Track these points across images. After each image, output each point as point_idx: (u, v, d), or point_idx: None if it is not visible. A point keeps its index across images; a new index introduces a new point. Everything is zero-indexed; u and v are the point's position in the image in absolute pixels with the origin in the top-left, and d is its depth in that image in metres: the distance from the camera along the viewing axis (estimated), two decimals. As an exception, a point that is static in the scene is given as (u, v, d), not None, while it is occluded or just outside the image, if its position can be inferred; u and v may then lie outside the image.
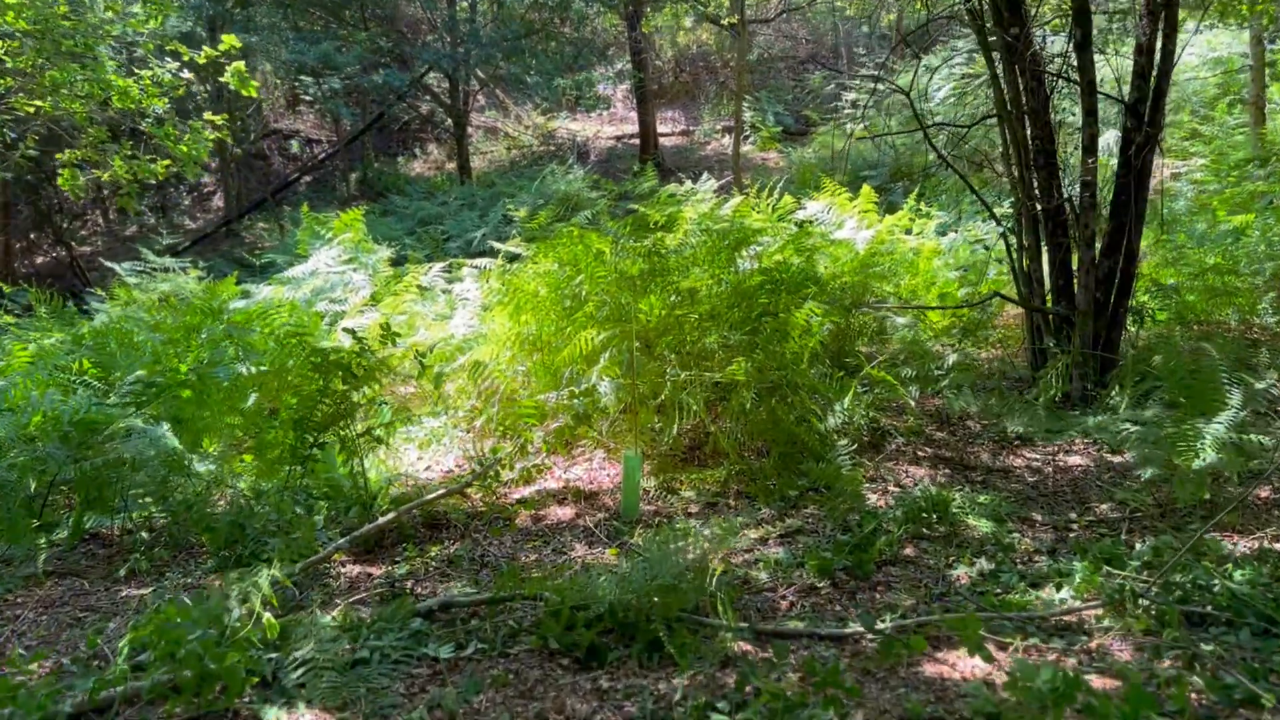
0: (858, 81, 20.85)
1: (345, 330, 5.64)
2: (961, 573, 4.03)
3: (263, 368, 7.42)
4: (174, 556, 4.71)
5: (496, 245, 10.37)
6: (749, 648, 3.30)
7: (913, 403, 5.69)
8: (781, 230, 8.71)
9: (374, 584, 4.23)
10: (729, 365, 6.15)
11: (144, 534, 4.82)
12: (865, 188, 10.75)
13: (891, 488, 5.21)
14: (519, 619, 3.54)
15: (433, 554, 4.54)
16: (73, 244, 22.95)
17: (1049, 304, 6.99)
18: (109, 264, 13.73)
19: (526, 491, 5.48)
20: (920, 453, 5.88)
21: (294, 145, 28.25)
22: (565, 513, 5.10)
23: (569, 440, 5.46)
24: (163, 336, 7.95)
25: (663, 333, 6.11)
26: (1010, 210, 7.15)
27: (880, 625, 3.42)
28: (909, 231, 10.93)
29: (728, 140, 22.53)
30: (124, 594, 4.22)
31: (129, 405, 5.67)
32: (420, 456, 7.02)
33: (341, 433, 5.02)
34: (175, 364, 7.54)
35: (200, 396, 7.12)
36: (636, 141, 22.91)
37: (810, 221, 9.89)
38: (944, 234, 11.26)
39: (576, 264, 6.93)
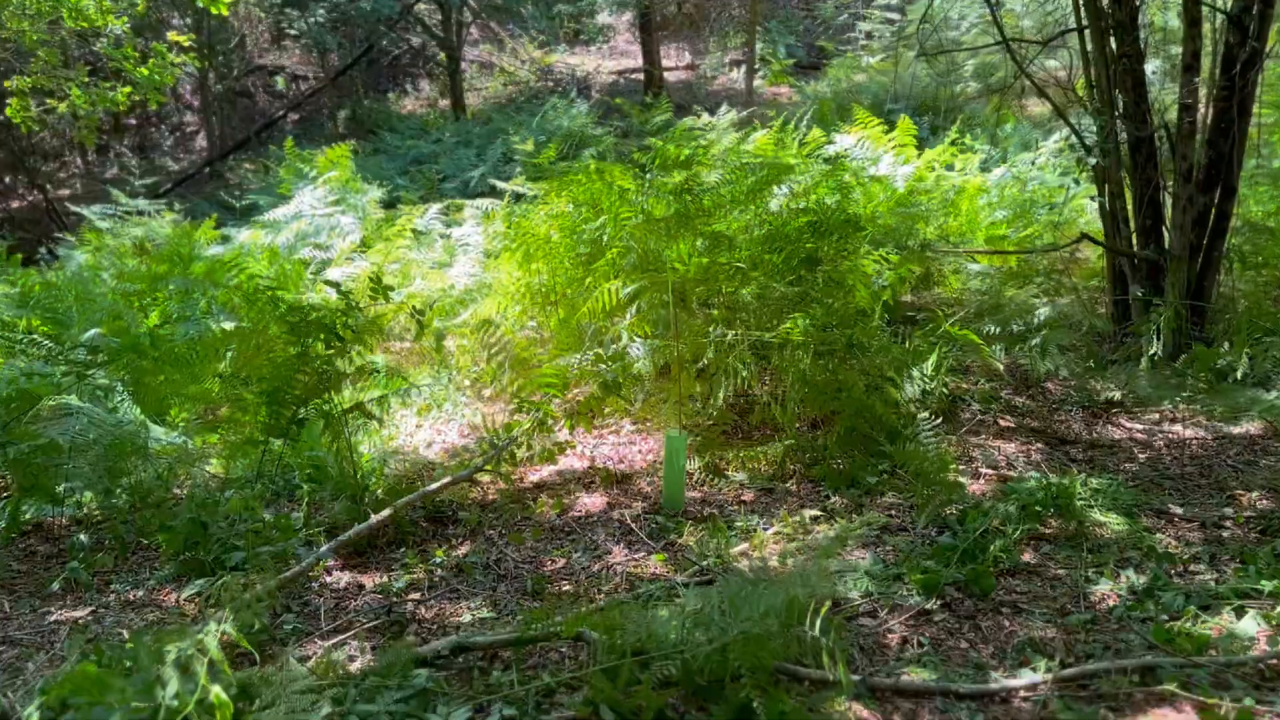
0: (873, 10, 19.69)
1: (328, 283, 4.74)
2: (1106, 589, 3.20)
3: (238, 323, 6.55)
4: (123, 560, 3.87)
5: (497, 184, 9.42)
6: (866, 714, 2.47)
7: (1000, 366, 4.84)
8: (811, 167, 7.78)
9: (366, 601, 3.40)
10: (771, 320, 5.30)
11: (83, 536, 3.96)
12: (904, 119, 9.78)
13: (984, 469, 4.37)
14: (556, 669, 2.71)
15: (437, 559, 3.70)
16: (47, 187, 21.85)
17: (1135, 247, 6.10)
18: (76, 208, 12.76)
19: (547, 472, 4.63)
20: (1002, 422, 5.04)
21: (279, 82, 26.99)
22: (595, 502, 4.26)
23: (595, 412, 4.60)
24: (132, 287, 7.06)
25: (696, 285, 5.23)
26: (1086, 140, 6.23)
27: (1037, 676, 2.60)
28: (950, 167, 9.98)
29: (736, 75, 21.37)
30: (54, 617, 3.38)
31: (73, 373, 4.78)
32: (419, 424, 6.17)
33: (325, 408, 4.16)
34: (139, 320, 6.66)
35: (165, 359, 6.25)
36: (639, 77, 21.74)
37: (842, 156, 8.95)
38: (988, 170, 10.32)
39: (596, 204, 6.02)
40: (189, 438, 5.43)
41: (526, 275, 6.27)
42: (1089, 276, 7.54)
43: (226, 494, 4.49)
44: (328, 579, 3.62)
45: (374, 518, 3.75)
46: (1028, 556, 3.48)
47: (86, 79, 8.86)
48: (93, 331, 6.00)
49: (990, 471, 4.33)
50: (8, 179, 24.26)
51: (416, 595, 3.44)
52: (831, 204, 6.38)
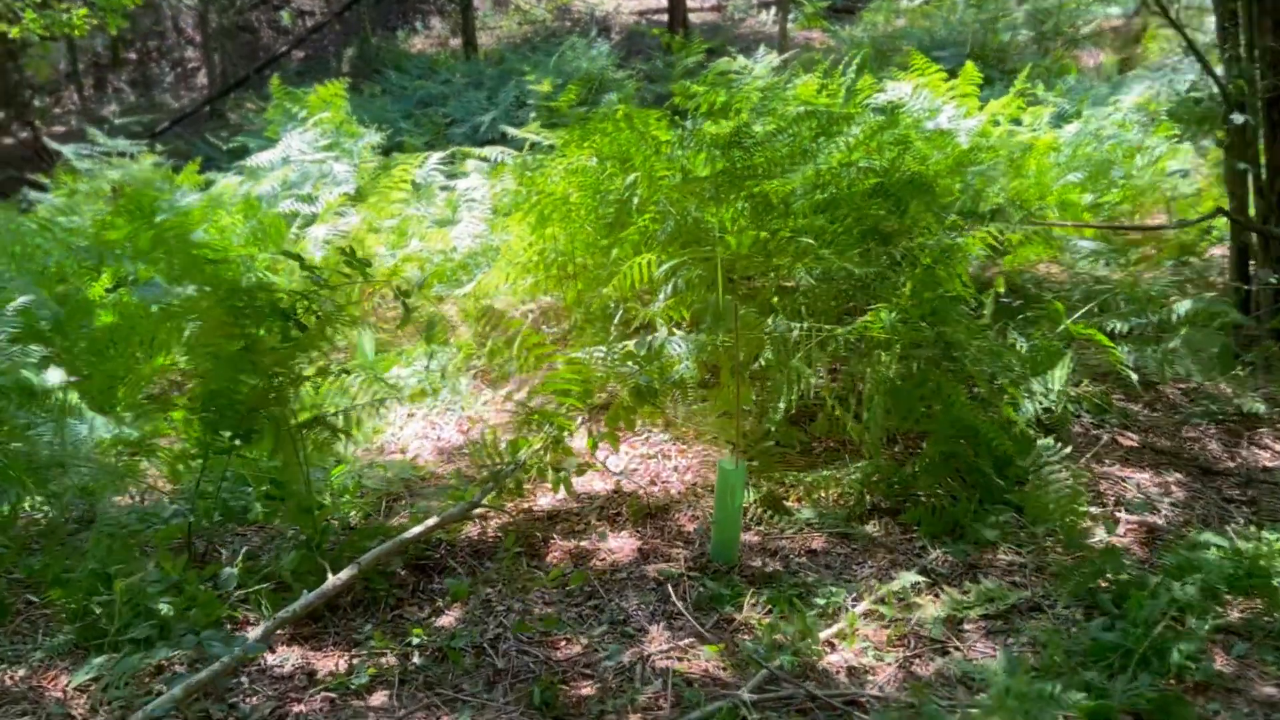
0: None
1: (286, 254, 3.77)
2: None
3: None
4: (5, 622, 2.96)
5: (510, 131, 8.39)
6: None
7: (1135, 377, 3.87)
8: (864, 117, 6.73)
9: (314, 707, 2.48)
10: (833, 306, 4.34)
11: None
12: (969, 65, 8.67)
13: (1122, 514, 3.42)
14: None
15: (415, 638, 2.78)
16: (36, 123, 20.81)
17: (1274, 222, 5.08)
18: (55, 146, 11.76)
19: (562, 496, 3.70)
20: (1123, 441, 4.07)
21: (284, 16, 25.77)
22: (623, 547, 3.32)
23: (624, 426, 3.64)
24: (83, 245, 6.10)
25: (748, 261, 4.25)
26: (1213, 90, 5.18)
27: None
28: (1017, 122, 8.90)
29: (765, 16, 20.12)
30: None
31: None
32: (411, 414, 5.25)
33: (280, 419, 3.21)
34: (86, 283, 5.71)
35: (108, 334, 5.32)
36: (663, 18, 20.49)
37: (898, 107, 7.88)
38: (1060, 126, 9.22)
39: (625, 159, 5.01)
40: (135, 428, 4.51)
41: (540, 240, 5.29)
42: (1174, 253, 6.52)
43: (153, 522, 3.59)
44: (270, 659, 2.70)
45: (332, 580, 2.82)
46: (1222, 663, 2.54)
47: (39, 1, 7.83)
48: (22, 298, 5.06)
49: (1133, 520, 3.37)
50: (2, 115, 23.25)
51: (383, 697, 2.51)
52: (901, 162, 5.39)
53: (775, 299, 4.02)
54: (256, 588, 2.94)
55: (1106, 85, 11.63)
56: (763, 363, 3.74)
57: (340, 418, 3.57)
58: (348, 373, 3.44)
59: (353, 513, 3.80)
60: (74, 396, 4.56)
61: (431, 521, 3.12)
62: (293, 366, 3.21)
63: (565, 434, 3.45)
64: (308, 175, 8.27)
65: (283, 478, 3.21)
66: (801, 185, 5.00)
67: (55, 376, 4.58)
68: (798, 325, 3.74)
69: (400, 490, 4.05)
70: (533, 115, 9.11)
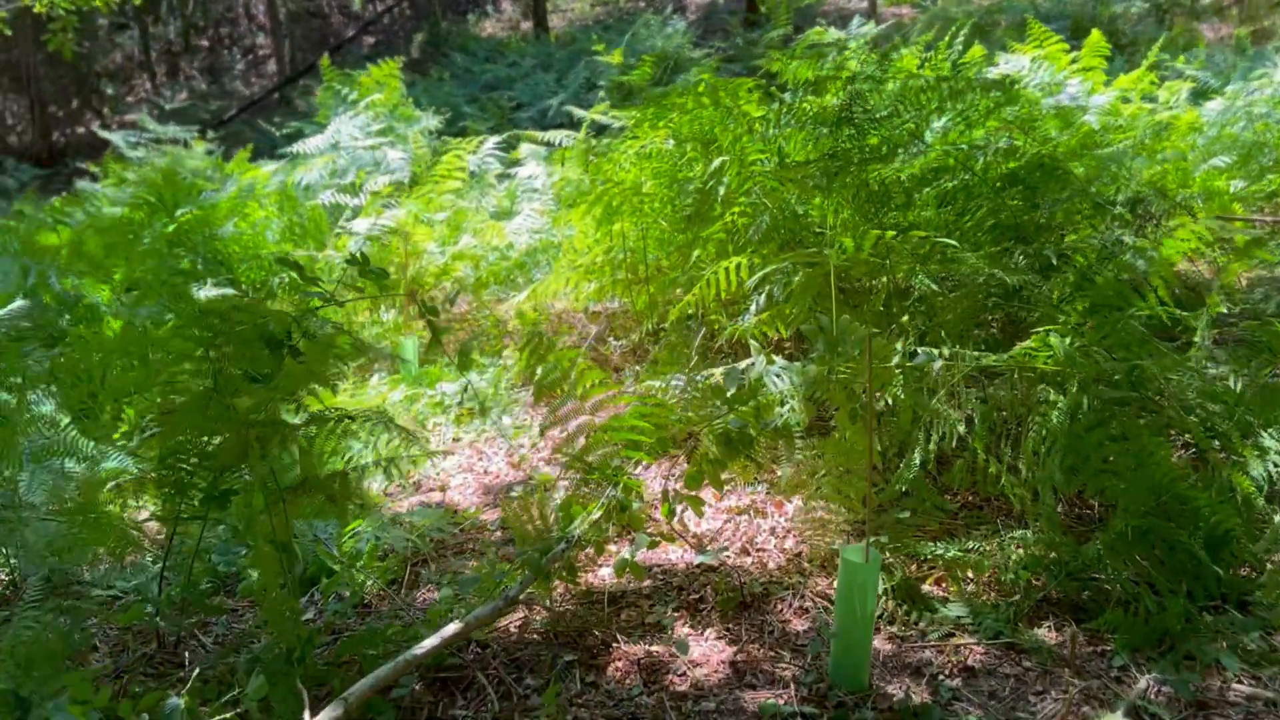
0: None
1: (283, 262, 2.99)
2: None
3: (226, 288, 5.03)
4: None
5: (577, 112, 7.59)
6: None
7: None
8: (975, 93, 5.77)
9: None
10: (969, 324, 3.46)
11: None
12: (1095, 34, 7.61)
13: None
14: None
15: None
16: (105, 111, 20.66)
17: None
18: (106, 134, 11.31)
19: (626, 579, 2.88)
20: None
21: (354, 1, 25.39)
22: (708, 656, 2.49)
23: (710, 482, 2.80)
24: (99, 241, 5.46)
25: (865, 267, 3.38)
26: None
27: None
28: (1151, 98, 7.82)
29: (850, -9, 19.00)
30: None
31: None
32: (456, 439, 4.50)
33: (258, 482, 2.44)
34: (93, 286, 5.06)
35: (115, 345, 4.66)
36: (741, -4, 19.52)
37: (1014, 81, 6.87)
38: (1201, 103, 8.11)
39: (708, 141, 4.17)
40: (140, 455, 3.81)
41: (607, 239, 4.48)
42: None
43: (127, 594, 2.88)
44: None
45: (327, 712, 2.03)
46: None
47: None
48: (18, 303, 4.42)
49: None
50: (75, 103, 23.24)
51: None
52: (1030, 144, 4.49)
53: (902, 316, 3.15)
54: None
55: (1244, 59, 10.41)
56: (890, 401, 2.87)
57: (359, 464, 2.80)
58: (351, 419, 2.65)
59: (369, 582, 3.04)
60: (64, 419, 3.90)
61: (452, 629, 2.32)
62: (277, 412, 2.45)
63: (633, 497, 2.63)
64: (359, 162, 7.59)
65: (256, 566, 2.44)
66: (920, 171, 4.12)
67: (45, 400, 3.92)
68: (936, 351, 2.85)
69: (431, 550, 3.28)
70: (601, 95, 8.30)
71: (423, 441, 3.94)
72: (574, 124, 8.12)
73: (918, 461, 2.79)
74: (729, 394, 2.74)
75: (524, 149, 6.40)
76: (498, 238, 5.71)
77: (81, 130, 22.58)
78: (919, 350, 2.85)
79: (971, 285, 3.37)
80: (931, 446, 2.83)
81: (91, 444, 3.76)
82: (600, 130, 7.09)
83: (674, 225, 4.43)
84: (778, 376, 2.82)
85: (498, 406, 4.34)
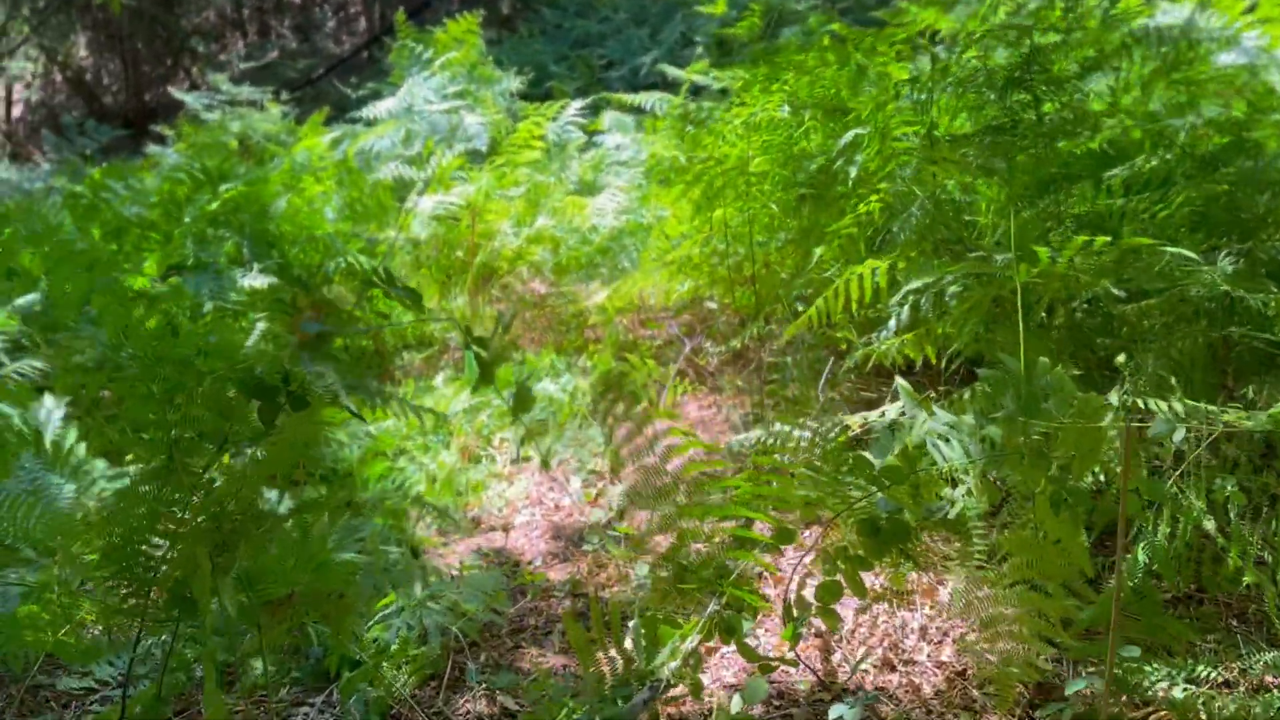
0: None
1: (375, 282, 2.25)
2: None
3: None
4: None
5: (672, 72, 6.80)
6: None
7: None
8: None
9: None
10: (1191, 366, 2.63)
11: None
12: (1280, -24, 6.49)
13: None
14: None
15: None
16: (194, 70, 20.48)
17: None
18: (180, 95, 10.91)
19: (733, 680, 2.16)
20: None
21: (445, -44, 24.79)
22: None
23: (850, 587, 2.06)
24: (135, 211, 4.92)
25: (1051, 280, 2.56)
26: None
27: None
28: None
29: (967, -61, 17.60)
30: None
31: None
32: (525, 457, 3.85)
33: (224, 592, 1.78)
34: (126, 271, 4.50)
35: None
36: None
37: (1193, 34, 5.83)
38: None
39: (835, 107, 3.37)
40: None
41: (705, 227, 3.73)
42: None
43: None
44: None
45: None
46: None
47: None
48: (29, 296, 3.88)
49: None
50: (170, 62, 23.23)
51: None
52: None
53: (1115, 352, 2.34)
54: None
55: None
56: (1103, 479, 2.08)
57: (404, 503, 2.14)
58: (355, 507, 1.97)
59: (402, 679, 2.38)
60: (71, 436, 3.33)
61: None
62: (254, 496, 1.78)
63: (745, 613, 1.91)
64: (435, 128, 6.93)
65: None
66: (1101, 148, 3.27)
67: (54, 412, 3.34)
68: (1166, 407, 2.04)
69: (479, 632, 2.61)
70: (700, 51, 7.47)
71: (456, 517, 3.27)
72: (668, 84, 7.33)
73: (1142, 564, 2.00)
74: (878, 466, 1.99)
75: (607, 118, 5.66)
76: (579, 217, 5.00)
77: (177, 89, 22.56)
78: (1144, 404, 2.04)
79: (1194, 304, 2.54)
80: (1160, 539, 2.04)
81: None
82: (697, 92, 6.30)
83: (786, 211, 3.66)
84: (944, 440, 2.05)
85: (569, 435, 3.65)
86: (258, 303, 4.54)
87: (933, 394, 2.64)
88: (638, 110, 5.80)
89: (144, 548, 1.69)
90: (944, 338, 2.76)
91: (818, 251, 2.99)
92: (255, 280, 4.49)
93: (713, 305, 4.09)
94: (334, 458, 3.67)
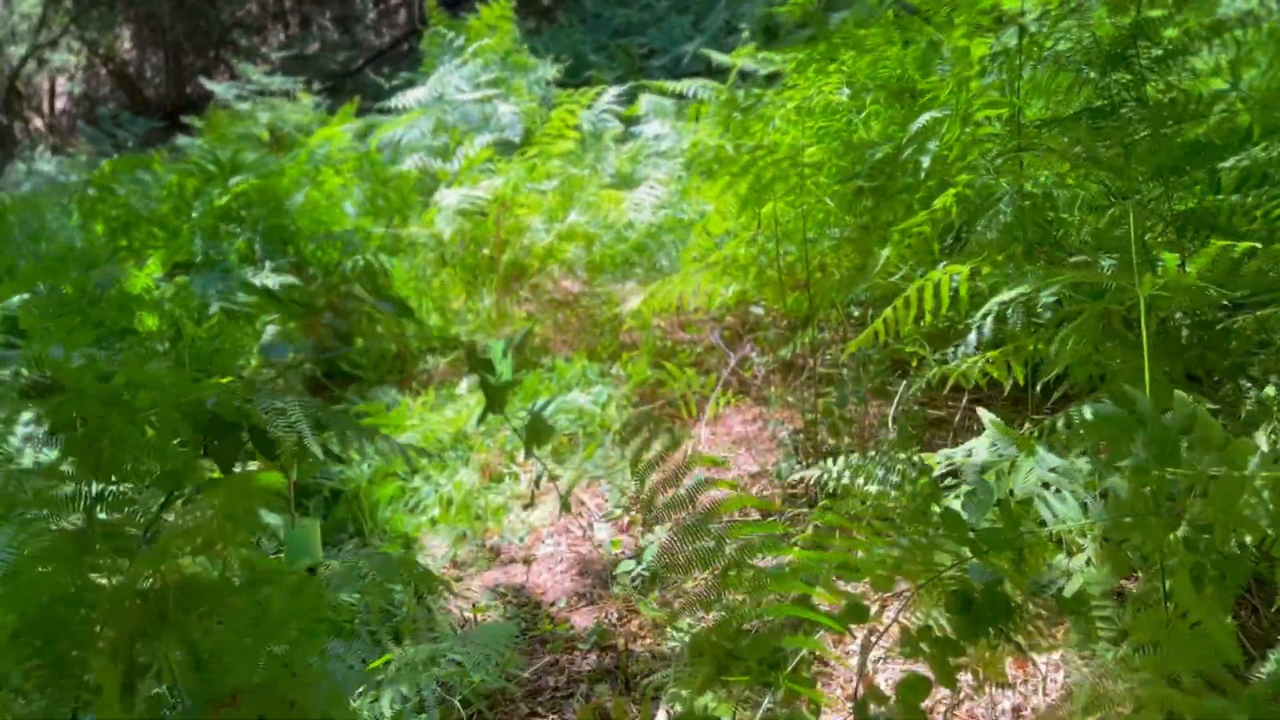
0: None
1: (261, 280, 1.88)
2: None
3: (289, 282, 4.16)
4: None
5: (716, 57, 6.40)
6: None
7: None
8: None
9: None
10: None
11: None
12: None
13: None
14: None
15: None
16: (232, 62, 20.38)
17: None
18: (210, 85, 10.70)
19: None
20: None
21: (486, -54, 24.54)
22: None
23: (942, 681, 1.69)
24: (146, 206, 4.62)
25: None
26: None
27: None
28: None
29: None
30: None
31: None
32: (552, 477, 3.49)
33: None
34: (128, 270, 4.20)
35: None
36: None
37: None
38: None
39: (902, 89, 2.97)
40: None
41: (753, 224, 3.33)
42: None
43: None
44: None
45: None
46: None
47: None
48: (11, 300, 3.57)
49: None
50: (212, 53, 23.19)
51: None
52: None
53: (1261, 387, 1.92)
54: None
55: None
56: (1247, 543, 1.67)
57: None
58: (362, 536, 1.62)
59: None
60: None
61: None
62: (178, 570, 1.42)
63: (809, 714, 1.53)
64: (467, 118, 6.60)
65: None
66: (1206, 136, 2.83)
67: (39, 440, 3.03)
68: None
69: (489, 700, 2.24)
70: (746, 36, 7.05)
71: (472, 546, 2.90)
72: (711, 72, 6.93)
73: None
74: (971, 528, 1.59)
75: (644, 102, 5.28)
76: (615, 212, 4.62)
77: (230, 81, 22.50)
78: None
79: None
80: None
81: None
82: (744, 78, 5.89)
83: (843, 206, 3.26)
84: (1056, 494, 1.65)
85: (599, 454, 3.28)
86: (269, 304, 4.22)
87: (1027, 426, 2.23)
88: (679, 97, 5.42)
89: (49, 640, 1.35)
90: (1034, 354, 2.35)
91: (884, 253, 2.59)
92: (267, 279, 4.17)
93: (759, 310, 3.70)
94: (341, 477, 3.34)
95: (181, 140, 8.94)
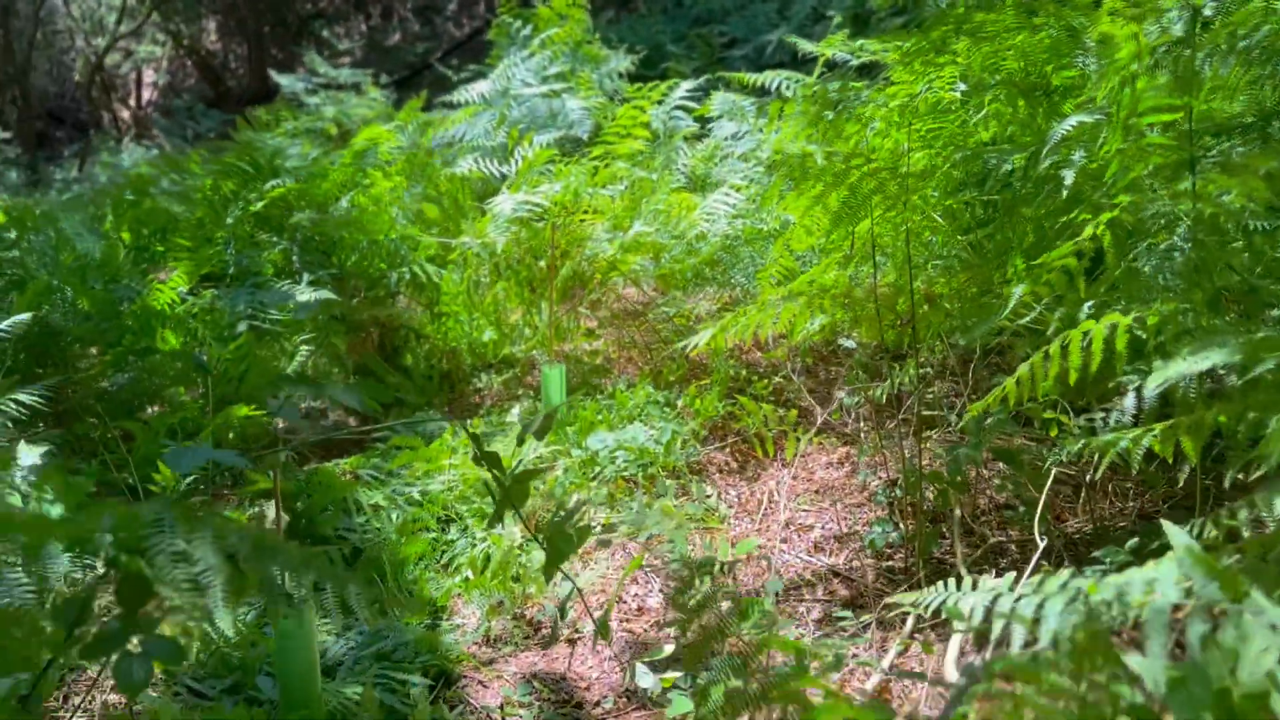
0: None
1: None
2: None
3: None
4: None
5: (803, 45, 5.86)
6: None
7: None
8: None
9: None
10: None
11: None
12: None
13: None
14: None
15: None
16: (307, 55, 20.35)
17: None
18: (277, 77, 10.48)
19: None
20: None
21: (568, -65, 24.21)
22: None
23: None
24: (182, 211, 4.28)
25: None
26: None
27: None
28: None
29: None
30: None
31: None
32: (607, 525, 3.03)
33: None
34: (150, 284, 3.85)
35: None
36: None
37: None
38: None
39: (1033, 86, 2.43)
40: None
41: (845, 243, 2.82)
42: None
43: None
44: None
45: None
46: None
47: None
48: (20, 317, 3.23)
49: None
50: (293, 47, 23.25)
51: None
52: None
53: None
54: None
55: None
56: None
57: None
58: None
59: None
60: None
61: None
62: None
63: None
64: (534, 113, 6.19)
65: None
66: None
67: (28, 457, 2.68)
68: None
69: None
70: (837, 22, 6.50)
71: (508, 619, 2.42)
72: (796, 63, 6.39)
73: None
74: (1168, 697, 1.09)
75: (716, 101, 4.76)
76: (686, 219, 4.14)
77: (296, 74, 22.56)
78: None
79: None
80: None
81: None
82: (831, 68, 5.35)
83: (956, 226, 2.73)
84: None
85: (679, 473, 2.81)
86: (305, 322, 3.85)
87: (1209, 529, 1.70)
88: (761, 92, 4.90)
89: None
90: (1215, 429, 1.82)
91: (1017, 291, 2.07)
92: (305, 295, 3.79)
93: (850, 343, 3.19)
94: (362, 529, 2.93)
95: (246, 134, 8.72)
